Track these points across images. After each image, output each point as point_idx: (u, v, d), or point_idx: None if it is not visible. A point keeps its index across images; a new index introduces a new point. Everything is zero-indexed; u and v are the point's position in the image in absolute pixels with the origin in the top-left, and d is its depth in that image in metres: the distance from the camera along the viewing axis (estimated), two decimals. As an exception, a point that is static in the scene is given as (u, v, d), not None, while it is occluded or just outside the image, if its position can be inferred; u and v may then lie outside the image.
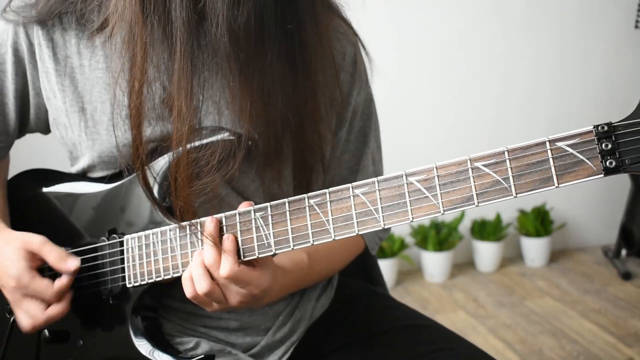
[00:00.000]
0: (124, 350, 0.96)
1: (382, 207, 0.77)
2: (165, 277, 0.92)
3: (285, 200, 0.83)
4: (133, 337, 0.96)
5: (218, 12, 0.81)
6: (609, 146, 0.65)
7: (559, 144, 0.68)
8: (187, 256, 0.90)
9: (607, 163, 0.65)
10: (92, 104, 0.98)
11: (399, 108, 3.13)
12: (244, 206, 0.86)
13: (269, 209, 0.84)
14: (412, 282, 3.29)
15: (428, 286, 3.24)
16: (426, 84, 3.30)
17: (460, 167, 0.73)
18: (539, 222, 3.38)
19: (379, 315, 1.13)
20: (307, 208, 0.81)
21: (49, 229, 1.04)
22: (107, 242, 0.98)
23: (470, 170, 0.72)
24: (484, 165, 0.71)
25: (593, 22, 3.44)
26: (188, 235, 0.90)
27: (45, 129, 1.08)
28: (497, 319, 2.82)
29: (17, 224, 1.07)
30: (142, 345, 0.95)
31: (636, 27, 3.37)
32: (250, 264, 0.86)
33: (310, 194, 0.81)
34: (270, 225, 0.83)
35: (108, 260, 0.98)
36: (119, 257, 0.97)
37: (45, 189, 1.08)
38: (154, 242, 0.93)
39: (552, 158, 0.68)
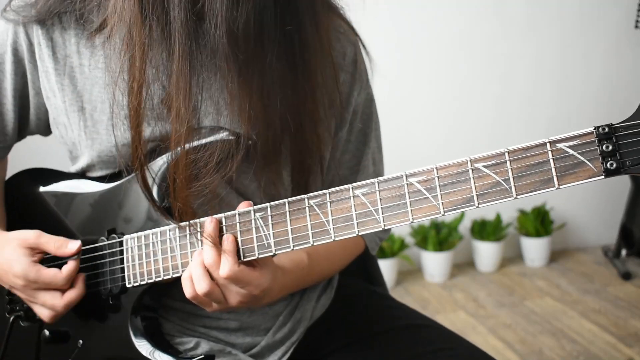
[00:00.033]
0: (124, 351, 0.96)
1: (382, 207, 0.77)
2: (165, 277, 0.92)
3: (285, 200, 0.83)
4: (133, 337, 0.96)
5: (217, 13, 0.81)
6: (610, 147, 0.65)
7: (560, 145, 0.67)
8: (186, 256, 0.90)
9: (608, 164, 0.65)
10: (92, 103, 0.98)
11: (399, 108, 3.13)
12: (243, 206, 0.86)
13: (268, 209, 0.84)
14: (412, 282, 3.29)
15: (428, 286, 3.24)
16: (426, 84, 3.30)
17: (460, 168, 0.72)
18: (539, 222, 3.38)
19: (379, 316, 1.13)
20: (307, 208, 0.81)
21: (48, 228, 1.04)
22: (106, 242, 0.98)
23: (470, 171, 0.72)
24: (485, 166, 0.71)
25: (593, 22, 3.44)
26: (188, 236, 0.90)
27: (45, 130, 1.08)
28: (497, 319, 2.82)
29: (16, 224, 1.07)
30: (142, 346, 0.95)
31: (636, 27, 3.36)
32: (250, 264, 0.86)
33: (310, 194, 0.81)
34: (270, 225, 0.83)
35: (108, 260, 0.98)
36: (119, 257, 0.97)
37: (43, 188, 1.08)
38: (153, 242, 0.93)
39: (553, 159, 0.68)
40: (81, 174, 1.05)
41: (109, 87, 0.94)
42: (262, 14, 0.82)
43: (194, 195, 0.88)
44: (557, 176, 0.68)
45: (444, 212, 0.73)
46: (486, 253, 3.35)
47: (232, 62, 0.83)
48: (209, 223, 0.86)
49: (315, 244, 0.80)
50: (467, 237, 3.41)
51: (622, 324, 2.71)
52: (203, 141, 0.89)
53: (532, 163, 0.69)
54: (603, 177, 0.66)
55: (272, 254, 0.84)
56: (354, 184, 0.79)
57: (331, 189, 0.80)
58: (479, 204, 0.71)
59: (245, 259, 0.85)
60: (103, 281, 0.99)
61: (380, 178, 0.77)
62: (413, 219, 0.75)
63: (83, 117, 0.98)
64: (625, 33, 3.47)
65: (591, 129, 0.66)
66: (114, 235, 0.98)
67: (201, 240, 0.87)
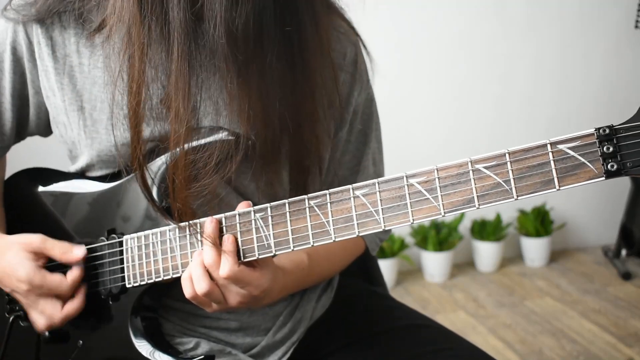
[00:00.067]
0: (124, 351, 0.96)
1: (382, 208, 0.77)
2: (165, 278, 0.92)
3: (286, 201, 0.83)
4: (133, 337, 0.96)
5: (216, 14, 0.81)
6: (611, 149, 0.65)
7: (560, 146, 0.67)
8: (186, 257, 0.90)
9: (609, 166, 0.65)
10: (91, 102, 0.97)
11: (399, 108, 3.13)
12: (243, 206, 0.86)
13: (269, 209, 0.84)
14: (412, 282, 3.29)
15: (428, 286, 3.24)
16: (426, 84, 3.30)
17: (461, 169, 0.72)
18: (539, 222, 3.38)
19: (379, 316, 1.13)
20: (307, 209, 0.81)
21: (47, 228, 1.04)
22: (106, 242, 0.98)
23: (471, 172, 0.72)
24: (485, 168, 0.71)
25: (593, 22, 3.44)
26: (188, 236, 0.90)
27: (45, 131, 1.08)
28: (497, 319, 2.82)
29: (15, 223, 1.07)
30: (142, 346, 0.95)
31: (636, 27, 3.36)
32: (250, 264, 0.86)
33: (310, 195, 0.81)
34: (270, 226, 0.83)
35: (107, 260, 0.98)
36: (119, 257, 0.97)
37: (42, 188, 1.07)
38: (153, 243, 0.93)
39: (554, 160, 0.68)
40: (80, 174, 1.05)
41: (109, 86, 0.94)
42: (262, 14, 0.82)
43: (193, 196, 0.88)
44: (557, 177, 0.68)
45: (445, 213, 0.73)
46: (486, 253, 3.35)
47: (231, 62, 0.83)
48: (209, 223, 0.86)
49: (315, 244, 0.80)
50: (467, 237, 3.41)
51: (622, 324, 2.71)
52: (202, 141, 0.89)
53: (532, 164, 0.69)
54: (604, 178, 0.66)
55: (272, 254, 0.84)
56: (355, 185, 0.79)
57: (331, 190, 0.80)
58: (479, 205, 0.71)
59: (246, 260, 0.85)
60: (103, 281, 0.99)
61: (380, 179, 0.77)
62: (413, 219, 0.75)
63: (82, 117, 0.98)
64: (625, 33, 3.47)
65: (592, 130, 0.66)
66: (114, 235, 0.98)
67: (201, 241, 0.87)
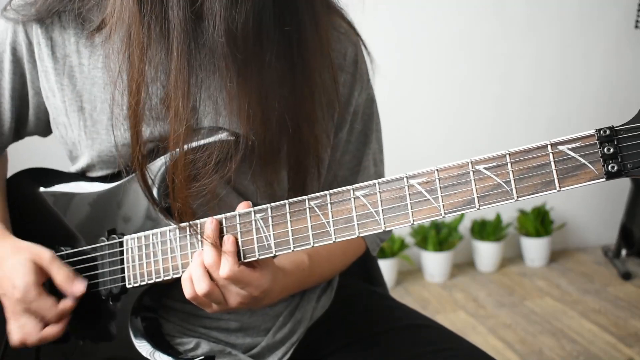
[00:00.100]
0: (124, 351, 0.96)
1: (382, 209, 0.76)
2: (165, 278, 0.92)
3: (286, 201, 0.83)
4: (133, 337, 0.96)
5: (215, 12, 0.81)
6: (611, 150, 0.65)
7: (561, 147, 0.67)
8: (187, 257, 0.90)
9: (609, 167, 0.65)
10: (91, 103, 0.97)
11: (399, 108, 3.13)
12: (243, 206, 0.86)
13: (269, 210, 0.84)
14: (412, 282, 3.29)
15: (428, 286, 3.24)
16: (426, 84, 3.30)
17: (461, 169, 0.72)
18: (539, 222, 3.38)
19: (379, 316, 1.13)
20: (307, 210, 0.81)
21: (48, 228, 1.04)
22: (106, 243, 0.98)
23: (471, 173, 0.72)
24: (486, 168, 0.71)
25: (593, 22, 3.44)
26: (188, 236, 0.90)
27: (44, 131, 1.08)
28: (497, 319, 2.82)
29: (15, 223, 1.07)
30: (142, 346, 0.95)
31: (636, 27, 3.36)
32: (250, 265, 0.86)
33: (310, 195, 0.81)
34: (271, 226, 0.83)
35: (108, 260, 0.98)
36: (119, 257, 0.97)
37: (43, 188, 1.07)
38: (153, 243, 0.93)
39: (554, 162, 0.68)
40: (81, 174, 1.05)
41: (108, 87, 0.94)
42: (261, 13, 0.82)
43: (193, 196, 0.88)
44: (558, 178, 0.68)
45: (445, 213, 0.73)
46: (486, 253, 3.35)
47: (231, 61, 0.83)
48: (209, 224, 0.86)
49: (315, 245, 0.80)
50: (467, 237, 3.41)
51: (622, 324, 2.71)
52: (202, 142, 0.89)
53: (533, 165, 0.69)
54: (604, 179, 0.66)
55: (272, 255, 0.84)
56: (355, 186, 0.79)
57: (332, 190, 0.80)
58: (479, 206, 0.71)
59: (246, 260, 0.85)
60: (103, 282, 0.99)
61: (381, 180, 0.77)
62: (414, 220, 0.75)
63: (83, 117, 0.98)
64: (625, 33, 3.47)
65: (592, 131, 0.66)
66: (114, 235, 0.98)
67: (201, 241, 0.87)
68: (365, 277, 1.27)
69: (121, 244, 0.97)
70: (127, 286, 0.96)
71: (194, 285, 0.86)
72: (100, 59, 0.96)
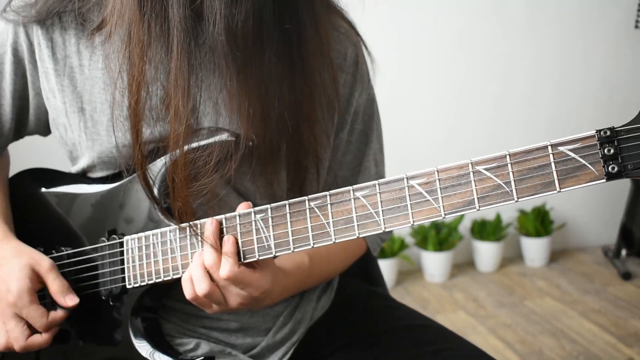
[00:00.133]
0: (124, 351, 0.97)
1: (382, 210, 0.76)
2: (165, 279, 0.92)
3: (286, 202, 0.83)
4: (133, 338, 0.96)
5: (215, 11, 0.81)
6: (612, 151, 0.65)
7: (561, 148, 0.67)
8: (187, 257, 0.90)
9: (610, 168, 0.65)
10: (92, 104, 0.97)
11: (399, 108, 3.13)
12: (242, 207, 0.86)
13: (269, 211, 0.84)
14: (412, 282, 3.29)
15: (428, 286, 3.24)
16: (426, 84, 3.29)
17: (461, 170, 0.72)
18: (539, 222, 3.38)
19: (379, 316, 1.13)
20: (307, 210, 0.81)
21: (49, 228, 1.04)
22: (107, 243, 0.98)
23: (471, 173, 0.72)
24: (486, 169, 0.71)
25: (593, 22, 3.44)
26: (188, 237, 0.90)
27: (44, 131, 1.08)
28: (497, 319, 2.82)
29: (16, 223, 1.07)
30: (142, 347, 0.95)
31: (636, 27, 3.36)
32: (250, 265, 0.86)
33: (310, 196, 0.81)
34: (271, 227, 0.83)
35: (108, 261, 0.98)
36: (119, 257, 0.97)
37: (44, 189, 1.07)
38: (154, 243, 0.93)
39: (554, 162, 0.68)
40: (82, 175, 1.05)
41: (109, 87, 0.94)
42: (261, 11, 0.82)
43: (193, 195, 0.88)
44: (558, 179, 0.68)
45: (445, 214, 0.73)
46: (486, 253, 3.35)
47: (231, 60, 0.83)
48: (209, 224, 0.86)
49: (315, 245, 0.80)
50: (467, 237, 3.41)
51: (622, 324, 2.71)
52: (202, 142, 0.89)
53: (533, 166, 0.69)
54: (604, 180, 0.65)
55: (272, 255, 0.83)
56: (355, 186, 0.79)
57: (332, 191, 0.80)
58: (479, 206, 0.71)
59: (246, 261, 0.85)
60: (103, 282, 0.99)
61: (381, 180, 0.77)
62: (414, 221, 0.75)
63: (83, 118, 0.98)
64: (625, 33, 3.47)
65: (593, 132, 0.66)
66: (114, 236, 0.98)
67: (201, 242, 0.87)
68: (365, 277, 1.27)
69: (121, 244, 0.97)
70: (127, 286, 0.96)
71: (194, 285, 0.86)
72: (101, 60, 0.96)
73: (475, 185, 0.71)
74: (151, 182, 0.92)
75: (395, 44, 3.18)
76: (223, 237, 0.86)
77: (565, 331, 2.67)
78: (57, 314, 0.97)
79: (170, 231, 0.92)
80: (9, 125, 1.04)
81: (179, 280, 0.90)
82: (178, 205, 0.88)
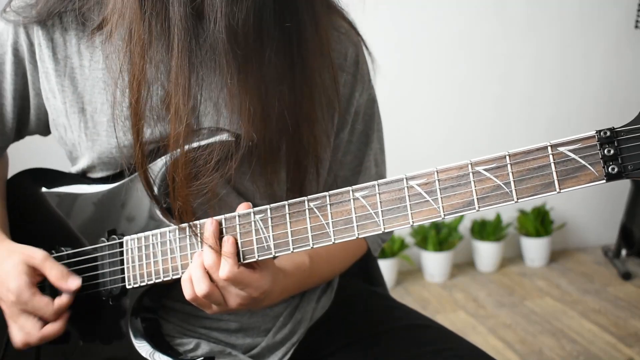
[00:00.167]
0: (124, 351, 0.96)
1: (382, 210, 0.76)
2: (165, 279, 0.92)
3: (285, 202, 0.83)
4: (133, 338, 0.96)
5: (216, 9, 0.81)
6: (612, 152, 0.65)
7: (561, 149, 0.67)
8: (186, 258, 0.90)
9: (609, 169, 0.65)
10: (92, 104, 0.97)
11: (399, 108, 3.13)
12: (242, 207, 0.86)
13: (268, 211, 0.84)
14: (412, 282, 3.29)
15: (428, 286, 3.24)
16: (426, 84, 3.29)
17: (461, 171, 0.72)
18: (539, 222, 3.38)
19: (379, 316, 1.13)
20: (306, 211, 0.81)
21: (49, 228, 1.04)
22: (106, 243, 0.98)
23: (471, 174, 0.72)
24: (485, 170, 0.71)
25: (593, 22, 3.44)
26: (188, 237, 0.90)
27: (45, 131, 1.08)
28: (497, 319, 2.82)
29: (17, 223, 1.07)
30: (142, 347, 0.95)
31: (636, 27, 3.36)
32: (250, 266, 0.86)
33: (310, 196, 0.81)
34: (270, 227, 0.83)
35: (108, 261, 0.98)
36: (119, 258, 0.97)
37: (45, 189, 1.07)
38: (153, 244, 0.93)
39: (554, 163, 0.68)
40: (81, 175, 1.05)
41: (110, 87, 0.94)
42: (262, 10, 0.82)
43: (193, 194, 0.88)
44: (558, 180, 0.67)
45: (444, 215, 0.73)
46: (486, 253, 3.35)
47: (232, 58, 0.83)
48: (209, 225, 0.86)
49: (315, 246, 0.80)
50: (467, 237, 3.41)
51: (622, 324, 2.71)
52: (203, 142, 0.89)
53: (533, 167, 0.69)
54: (604, 181, 0.65)
55: (271, 256, 0.83)
56: (354, 187, 0.78)
57: (331, 192, 0.80)
58: (479, 207, 0.71)
59: (245, 261, 0.85)
60: (103, 282, 0.99)
61: (380, 181, 0.77)
62: (413, 222, 0.74)
63: (84, 119, 0.98)
64: (625, 33, 3.47)
65: (593, 132, 0.66)
66: (114, 236, 0.98)
67: (201, 242, 0.87)
68: (365, 277, 1.27)
69: (121, 245, 0.97)
70: (127, 287, 0.96)
71: (193, 286, 0.86)
72: (101, 60, 0.96)
73: (475, 186, 0.71)
74: (152, 181, 0.92)
75: (395, 44, 3.18)
76: (222, 237, 0.86)
77: (565, 331, 2.67)
78: (62, 299, 0.97)
79: (169, 231, 0.92)
80: (10, 124, 1.04)
81: (178, 280, 0.90)
82: (178, 204, 0.88)
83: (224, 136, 0.89)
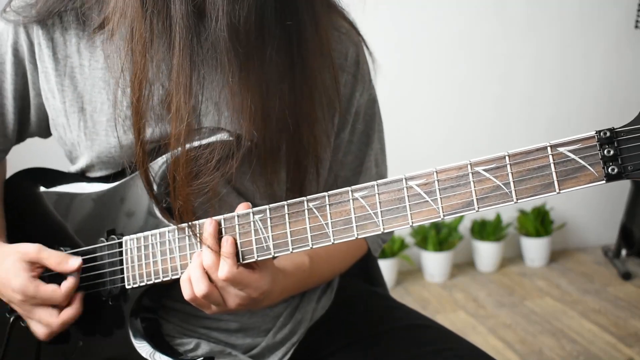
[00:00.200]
0: (124, 352, 0.96)
1: (381, 211, 0.76)
2: (164, 279, 0.92)
3: (284, 203, 0.82)
4: (132, 338, 0.96)
5: (218, 7, 0.81)
6: (611, 152, 0.64)
7: (561, 149, 0.67)
8: (186, 258, 0.90)
9: (609, 169, 0.65)
10: (92, 104, 0.97)
11: (399, 108, 3.13)
12: (242, 208, 0.86)
13: (267, 211, 0.84)
14: (412, 282, 3.29)
15: (428, 286, 3.24)
16: (426, 84, 3.29)
17: (460, 171, 0.72)
18: (539, 222, 3.37)
19: (379, 316, 1.13)
20: (306, 211, 0.81)
21: (48, 228, 1.04)
22: (106, 243, 0.98)
23: (470, 174, 0.71)
24: (485, 170, 0.71)
25: (593, 22, 3.44)
26: (187, 237, 0.90)
27: (45, 132, 1.07)
28: (497, 319, 2.82)
29: (15, 223, 1.07)
30: (142, 347, 0.95)
31: (636, 27, 3.36)
32: (249, 266, 0.86)
33: (309, 197, 0.81)
34: (269, 228, 0.83)
35: (107, 261, 0.98)
36: (118, 258, 0.97)
37: (44, 189, 1.07)
38: (152, 244, 0.93)
39: (554, 163, 0.67)
40: (81, 174, 1.05)
41: (110, 87, 0.94)
42: (263, 7, 0.82)
43: (194, 194, 0.88)
44: (557, 181, 0.67)
45: (444, 215, 0.73)
46: (486, 253, 3.35)
47: (233, 56, 0.83)
48: (208, 225, 0.86)
49: (314, 246, 0.80)
50: (467, 237, 3.41)
51: (622, 324, 2.71)
52: (204, 141, 0.89)
53: (532, 167, 0.68)
54: (604, 182, 0.65)
55: (271, 256, 0.83)
56: (353, 187, 0.78)
57: (330, 192, 0.80)
58: (478, 208, 0.71)
59: (245, 261, 0.85)
60: (103, 282, 0.99)
61: (379, 181, 0.77)
62: (412, 222, 0.74)
63: (83, 118, 0.98)
64: (625, 33, 3.47)
65: (592, 133, 0.66)
66: (113, 236, 0.98)
67: (200, 242, 0.87)
68: (366, 278, 1.27)
69: (120, 245, 0.97)
70: (127, 287, 0.96)
71: (192, 286, 0.86)
72: (101, 60, 0.96)
73: (474, 186, 0.71)
74: (152, 179, 0.92)
75: (395, 44, 3.18)
76: (222, 237, 0.86)
77: (565, 331, 2.67)
78: (69, 281, 0.97)
79: (169, 231, 0.92)
80: (12, 126, 1.04)
81: (178, 280, 0.90)
82: (179, 203, 0.88)
83: (224, 135, 0.89)
